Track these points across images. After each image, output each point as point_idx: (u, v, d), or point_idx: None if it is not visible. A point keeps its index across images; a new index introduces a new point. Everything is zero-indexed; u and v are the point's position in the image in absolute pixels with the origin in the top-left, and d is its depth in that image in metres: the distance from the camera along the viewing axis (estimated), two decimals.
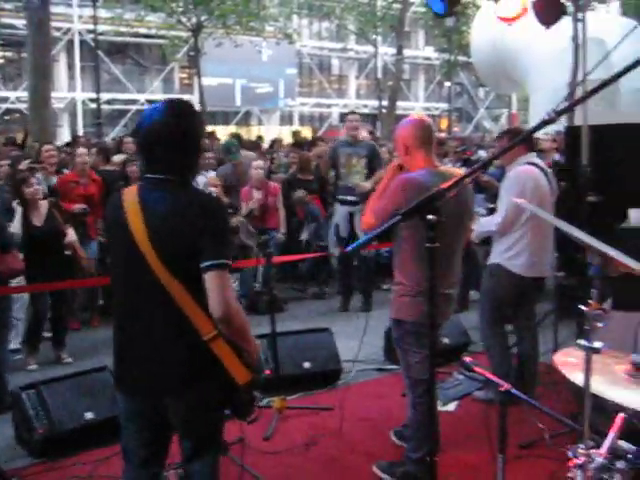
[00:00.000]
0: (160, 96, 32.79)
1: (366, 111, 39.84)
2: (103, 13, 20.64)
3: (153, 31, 22.63)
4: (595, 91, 1.90)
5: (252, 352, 2.65)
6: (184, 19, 18.63)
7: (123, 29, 21.81)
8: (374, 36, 25.73)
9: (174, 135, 2.59)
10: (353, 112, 8.60)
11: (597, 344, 1.77)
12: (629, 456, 2.12)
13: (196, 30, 18.56)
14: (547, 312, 6.02)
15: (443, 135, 20.98)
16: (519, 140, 4.32)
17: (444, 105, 42.03)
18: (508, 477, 2.42)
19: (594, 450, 1.95)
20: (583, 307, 1.78)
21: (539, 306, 5.80)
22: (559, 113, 1.87)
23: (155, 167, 2.63)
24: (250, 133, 33.84)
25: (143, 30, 22.91)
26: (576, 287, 5.64)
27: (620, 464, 2.07)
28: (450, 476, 3.76)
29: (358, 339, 4.93)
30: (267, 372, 5.35)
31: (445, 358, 6.03)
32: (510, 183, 4.85)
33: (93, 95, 28.36)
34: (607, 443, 2.02)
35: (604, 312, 1.77)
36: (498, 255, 4.96)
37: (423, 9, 22.78)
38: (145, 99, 32.00)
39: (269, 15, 20.15)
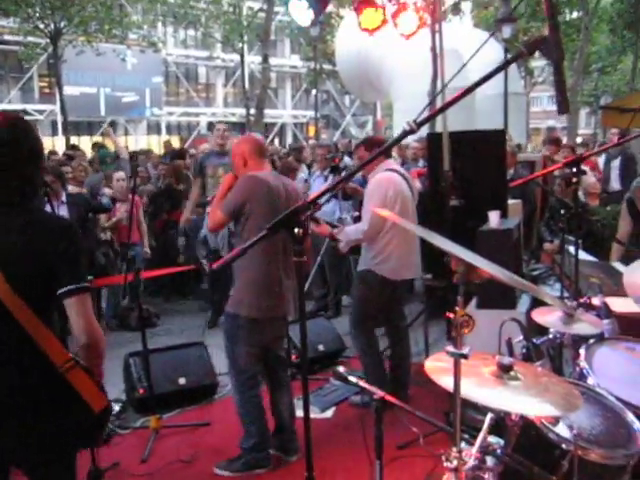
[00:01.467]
0: (19, 106, 31.33)
1: (234, 119, 39.78)
2: None
3: (7, 37, 21.49)
4: (455, 101, 1.96)
5: (101, 375, 2.53)
6: (41, 25, 17.79)
7: None
8: (240, 44, 25.64)
9: (8, 154, 2.41)
10: (220, 121, 8.53)
11: (465, 350, 1.82)
12: (497, 451, 2.21)
13: (54, 37, 17.76)
14: (418, 313, 6.19)
15: (310, 142, 21.32)
16: (378, 153, 4.55)
17: (311, 112, 42.66)
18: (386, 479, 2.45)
19: (466, 452, 2.00)
20: (450, 314, 1.82)
21: (409, 307, 5.97)
22: (419, 124, 1.92)
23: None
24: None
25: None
26: (444, 288, 5.82)
27: (490, 461, 2.15)
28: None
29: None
30: (141, 391, 5.21)
31: (321, 364, 6.10)
32: (372, 190, 4.95)
33: None
34: (477, 443, 2.09)
35: (470, 319, 1.82)
36: (367, 261, 5.05)
37: (288, 18, 22.95)
38: (2, 109, 30.41)
39: (132, 22, 19.58)
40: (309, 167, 9.37)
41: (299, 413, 5.08)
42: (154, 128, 37.20)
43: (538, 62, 27.32)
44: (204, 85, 40.33)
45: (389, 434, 2.67)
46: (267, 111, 30.24)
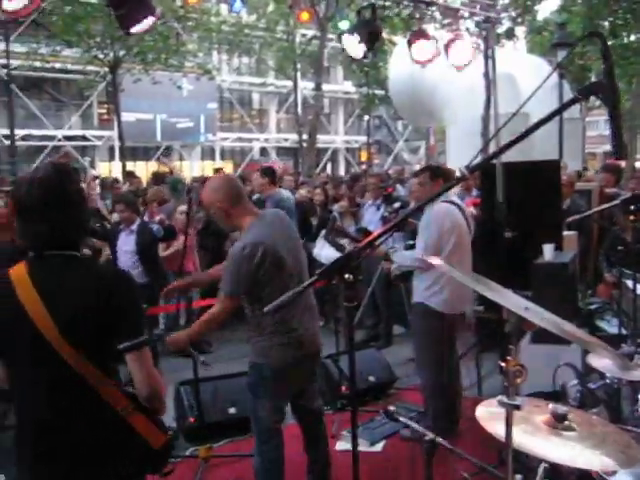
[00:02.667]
0: (79, 132, 32.27)
1: (287, 145, 40.20)
2: (17, 47, 20.11)
3: (69, 66, 22.20)
4: (511, 145, 1.93)
5: (162, 412, 2.57)
6: (101, 55, 18.35)
7: (38, 64, 21.28)
8: (292, 72, 25.99)
9: (62, 203, 2.42)
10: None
11: (518, 400, 1.78)
12: None
13: (113, 66, 18.29)
14: (470, 346, 6.10)
15: (363, 169, 21.25)
16: (437, 194, 4.00)
17: (363, 138, 42.80)
18: None
19: None
20: (502, 364, 1.78)
21: (459, 339, 5.88)
22: (472, 170, 1.89)
23: (44, 240, 2.43)
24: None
25: (59, 65, 22.46)
26: (496, 321, 5.73)
27: None
28: None
29: None
30: (191, 420, 5.24)
31: (371, 396, 6.06)
32: (429, 221, 4.92)
33: (6, 131, 27.72)
34: None
35: (522, 369, 1.78)
36: (420, 293, 5.01)
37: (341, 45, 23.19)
38: (63, 135, 31.34)
39: (188, 51, 20.04)
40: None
41: (346, 446, 5.08)
42: (208, 153, 37.78)
43: None
44: (257, 111, 40.87)
45: (439, 471, 2.63)
46: (319, 136, 30.41)
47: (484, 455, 3.14)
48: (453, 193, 5.24)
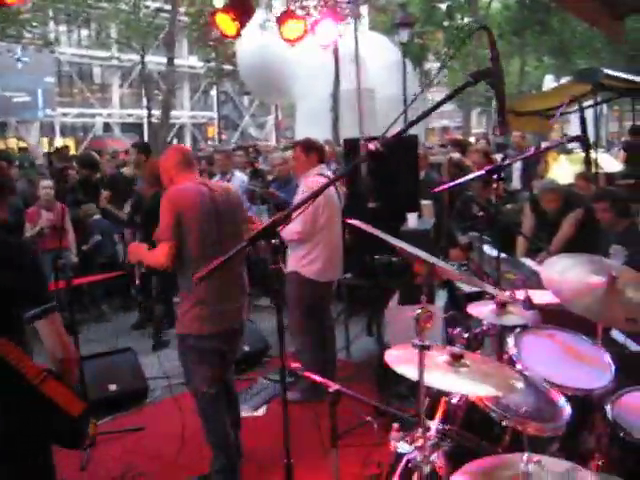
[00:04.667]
0: None
1: (131, 120, 39.10)
2: None
3: None
4: (418, 121, 2.20)
5: (75, 380, 2.66)
6: None
7: None
8: (137, 45, 25.31)
9: None
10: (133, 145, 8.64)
11: (427, 342, 2.06)
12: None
13: None
14: (339, 312, 6.46)
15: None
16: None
17: (210, 113, 42.45)
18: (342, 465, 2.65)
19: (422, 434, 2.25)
20: (415, 310, 2.06)
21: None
22: (383, 144, 2.13)
23: None
24: (8, 145, 31.71)
25: None
26: (366, 287, 6.12)
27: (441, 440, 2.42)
28: None
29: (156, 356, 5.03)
30: None
31: (247, 364, 6.27)
32: (304, 193, 5.17)
33: None
34: (434, 424, 2.35)
35: (432, 315, 2.06)
36: (295, 262, 5.26)
37: (187, 19, 22.86)
38: None
39: (26, 20, 18.97)
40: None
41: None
42: (48, 129, 35.97)
43: (433, 64, 28.32)
44: (99, 85, 39.37)
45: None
46: None
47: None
48: (324, 167, 5.49)
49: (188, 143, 39.10)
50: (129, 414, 5.43)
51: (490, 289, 2.62)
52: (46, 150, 21.87)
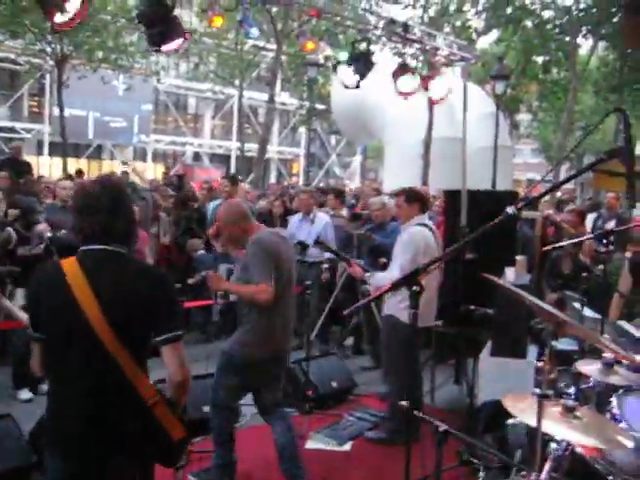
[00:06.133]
0: (7, 123, 31.47)
1: (220, 152, 40.26)
2: None
3: (12, 56, 21.78)
4: (567, 181, 2.36)
5: (182, 405, 2.81)
6: (49, 49, 18.20)
7: None
8: (236, 81, 26.23)
9: (110, 204, 2.71)
10: (224, 177, 9.04)
11: (548, 392, 2.22)
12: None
13: (60, 61, 18.15)
14: (426, 358, 6.58)
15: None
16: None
17: (297, 150, 43.28)
18: None
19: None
20: (538, 363, 2.22)
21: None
22: (526, 204, 2.31)
23: (96, 238, 2.71)
24: (102, 167, 33.16)
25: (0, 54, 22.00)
26: (454, 335, 6.24)
27: None
28: None
29: None
30: None
31: (334, 400, 6.46)
32: (405, 242, 5.37)
33: None
34: (545, 470, 2.49)
35: (553, 367, 2.22)
36: (392, 307, 5.44)
37: (283, 57, 23.61)
38: None
39: (138, 52, 20.03)
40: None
41: (316, 445, 5.47)
42: (140, 154, 37.44)
43: (523, 115, 28.27)
44: (193, 115, 40.76)
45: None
46: (253, 145, 30.72)
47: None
48: (426, 217, 5.68)
49: (273, 178, 39.89)
50: None
51: (617, 349, 2.72)
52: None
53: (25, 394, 6.42)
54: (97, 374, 2.65)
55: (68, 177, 13.06)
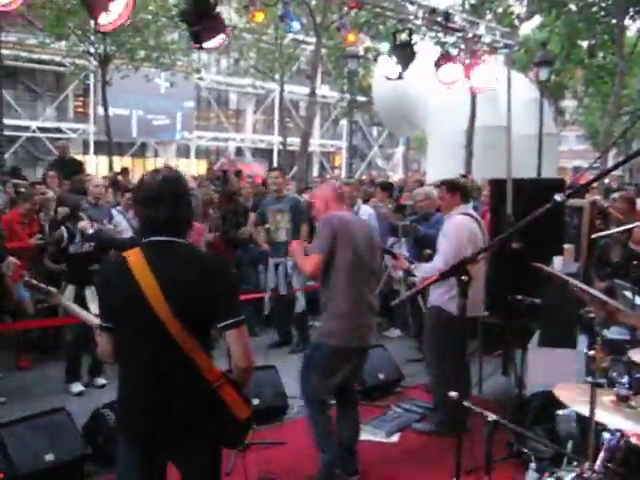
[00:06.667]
0: (54, 124, 32.11)
1: (262, 146, 40.47)
2: (3, 36, 20.01)
3: (57, 58, 22.20)
4: (617, 166, 2.32)
5: (248, 388, 2.91)
6: (92, 49, 18.51)
7: (24, 54, 21.35)
8: (276, 75, 26.34)
9: (172, 196, 2.79)
10: (274, 169, 8.99)
11: (601, 380, 2.19)
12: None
13: (104, 61, 18.44)
14: (474, 348, 6.53)
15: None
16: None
17: (339, 142, 43.25)
18: None
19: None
20: (590, 352, 2.19)
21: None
22: (569, 195, 2.27)
23: (158, 229, 2.79)
24: (146, 165, 33.60)
25: (46, 57, 22.45)
26: (501, 327, 6.18)
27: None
28: None
29: (292, 376, 5.33)
30: None
31: (381, 392, 6.47)
32: (448, 232, 5.35)
33: None
34: (599, 460, 2.45)
35: (605, 356, 2.19)
36: (438, 298, 5.41)
37: (324, 50, 23.60)
38: (37, 126, 31.16)
39: (180, 49, 20.25)
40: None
41: (367, 437, 5.48)
42: (183, 151, 37.83)
43: (568, 102, 27.77)
44: (234, 111, 41.01)
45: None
46: (294, 139, 30.77)
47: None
48: (470, 206, 5.65)
49: (316, 171, 39.95)
50: (268, 429, 5.69)
51: None
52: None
53: (77, 387, 6.60)
54: (163, 359, 2.72)
55: (115, 175, 13.33)
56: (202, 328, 2.75)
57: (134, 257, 2.76)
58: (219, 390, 2.74)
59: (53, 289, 3.57)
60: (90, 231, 6.54)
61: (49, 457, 4.56)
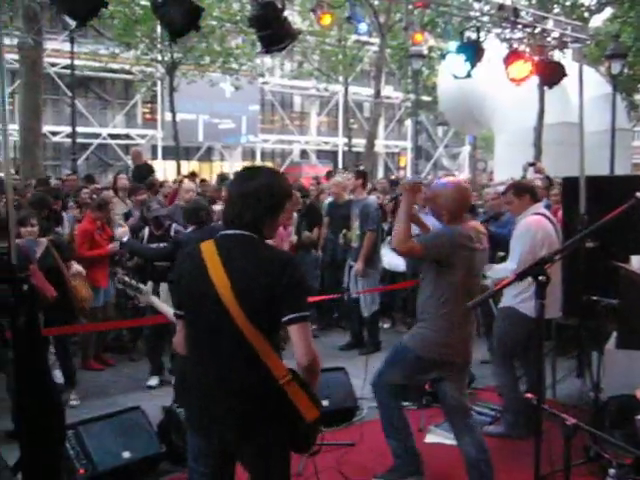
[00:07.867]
0: (123, 130, 33.01)
1: (327, 148, 40.59)
2: (75, 47, 20.61)
3: (126, 67, 22.77)
4: None
5: (316, 385, 2.85)
6: (160, 57, 18.92)
7: (95, 64, 21.97)
8: (340, 77, 26.41)
9: (260, 194, 2.83)
10: (355, 170, 9.08)
11: None
12: None
13: (171, 68, 18.82)
14: (548, 350, 6.38)
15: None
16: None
17: (403, 143, 43.03)
18: None
19: None
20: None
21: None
22: None
23: (230, 223, 2.87)
24: (212, 169, 34.14)
25: (115, 66, 23.07)
26: (576, 327, 6.03)
27: None
28: None
29: (362, 378, 5.30)
30: None
31: None
32: (521, 232, 5.24)
33: (54, 128, 28.46)
34: None
35: None
36: (511, 299, 5.31)
37: (388, 50, 23.49)
38: (107, 133, 32.06)
39: (245, 54, 20.51)
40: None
41: (434, 439, 5.42)
42: (249, 154, 38.27)
43: None
44: (298, 113, 41.27)
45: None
46: (360, 140, 30.76)
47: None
48: (541, 206, 5.54)
49: (381, 172, 39.84)
50: (338, 430, 5.68)
51: None
52: None
53: (153, 380, 6.85)
54: (230, 351, 2.75)
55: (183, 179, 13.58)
56: (268, 321, 2.74)
57: (207, 247, 2.85)
58: (285, 387, 2.71)
59: (143, 286, 3.71)
60: (124, 239, 6.76)
61: (126, 455, 4.68)
